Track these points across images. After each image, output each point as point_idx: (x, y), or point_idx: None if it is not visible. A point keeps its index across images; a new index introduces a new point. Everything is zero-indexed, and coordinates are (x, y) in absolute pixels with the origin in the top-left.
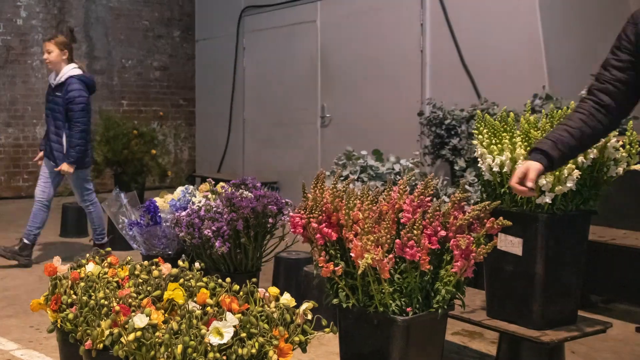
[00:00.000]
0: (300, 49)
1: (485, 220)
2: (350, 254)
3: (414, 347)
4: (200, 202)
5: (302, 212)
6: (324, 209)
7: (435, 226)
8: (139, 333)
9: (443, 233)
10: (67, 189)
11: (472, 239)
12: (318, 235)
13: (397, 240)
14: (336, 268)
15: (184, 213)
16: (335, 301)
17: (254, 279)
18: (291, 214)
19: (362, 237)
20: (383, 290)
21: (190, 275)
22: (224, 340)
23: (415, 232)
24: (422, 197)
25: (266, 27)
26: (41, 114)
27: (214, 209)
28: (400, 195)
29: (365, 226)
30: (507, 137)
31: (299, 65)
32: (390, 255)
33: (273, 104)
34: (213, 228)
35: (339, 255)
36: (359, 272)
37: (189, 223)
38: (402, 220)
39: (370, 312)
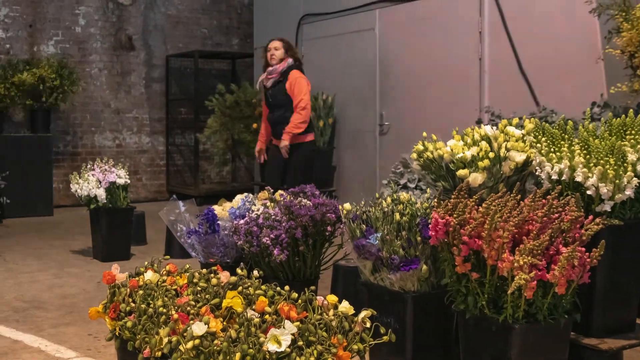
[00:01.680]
0: (359, 56)
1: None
2: (489, 262)
3: (533, 357)
4: (259, 210)
5: (446, 217)
6: (470, 221)
7: (557, 244)
8: (197, 341)
9: (564, 250)
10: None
11: (584, 250)
12: (464, 246)
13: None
14: (472, 273)
15: (242, 221)
16: (461, 307)
17: (313, 287)
18: (434, 215)
19: (520, 257)
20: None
21: (249, 283)
22: (282, 348)
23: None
24: (549, 215)
25: (325, 35)
26: (99, 122)
27: (273, 217)
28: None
29: (527, 246)
30: (566, 145)
31: (357, 73)
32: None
33: (334, 110)
34: (271, 236)
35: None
36: (510, 291)
37: (248, 231)
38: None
39: (493, 318)
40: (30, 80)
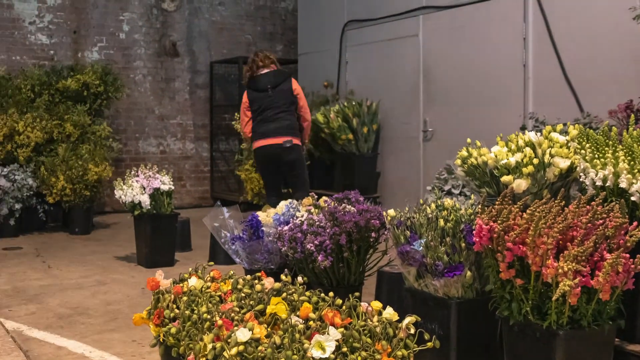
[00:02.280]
0: (403, 62)
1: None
2: (533, 268)
3: None
4: (303, 216)
5: (491, 223)
6: (514, 227)
7: (602, 250)
8: (241, 347)
9: (608, 256)
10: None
11: (628, 256)
12: (508, 252)
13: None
14: (516, 280)
15: (286, 227)
16: (505, 313)
17: (357, 293)
18: (478, 222)
19: (564, 263)
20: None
21: (293, 290)
22: (327, 355)
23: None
24: (593, 221)
25: (368, 41)
26: (143, 128)
27: (317, 223)
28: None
29: (572, 252)
30: (610, 151)
31: (401, 79)
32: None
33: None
34: (316, 242)
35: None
36: (554, 297)
37: (292, 237)
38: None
39: (537, 325)
40: (74, 87)
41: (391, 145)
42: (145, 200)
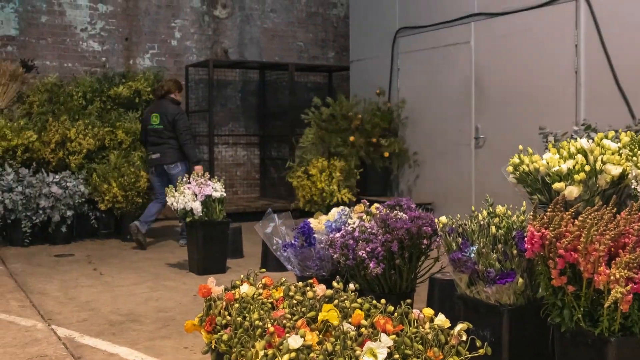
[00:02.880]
0: (454, 69)
1: None
2: (585, 275)
3: None
4: (355, 223)
5: (542, 230)
6: (565, 234)
7: None
8: (293, 354)
9: None
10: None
11: None
12: (560, 259)
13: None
14: (568, 287)
15: (338, 234)
16: (557, 320)
17: (409, 300)
18: (530, 229)
19: (616, 270)
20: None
21: (345, 297)
22: None
23: None
24: None
25: (420, 48)
26: (195, 135)
27: (369, 230)
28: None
29: (624, 260)
30: None
31: (453, 86)
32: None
33: (427, 125)
34: (367, 249)
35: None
36: (606, 304)
37: (344, 244)
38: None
39: (589, 332)
40: (126, 93)
41: (443, 152)
42: (197, 207)
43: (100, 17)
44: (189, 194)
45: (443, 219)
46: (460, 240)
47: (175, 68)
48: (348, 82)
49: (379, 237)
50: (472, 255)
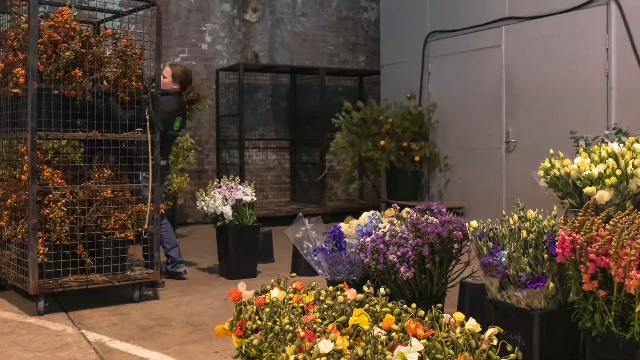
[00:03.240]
0: (485, 73)
1: None
2: (616, 279)
3: None
4: (385, 227)
5: (573, 234)
6: (597, 238)
7: None
8: (324, 359)
9: None
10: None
11: None
12: (591, 264)
13: None
14: (599, 291)
15: (368, 239)
16: (588, 324)
17: (439, 305)
18: (561, 233)
19: None
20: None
21: (375, 301)
22: None
23: None
24: None
25: (451, 52)
26: (225, 139)
27: (399, 234)
28: None
29: None
30: None
31: (483, 90)
32: None
33: (458, 129)
34: (398, 253)
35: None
36: (638, 308)
37: (374, 249)
38: None
39: (620, 336)
40: None
41: (473, 156)
42: (227, 211)
43: (129, 21)
44: (219, 198)
45: (474, 223)
46: (491, 244)
47: (206, 72)
48: (379, 86)
49: (410, 242)
50: (503, 259)
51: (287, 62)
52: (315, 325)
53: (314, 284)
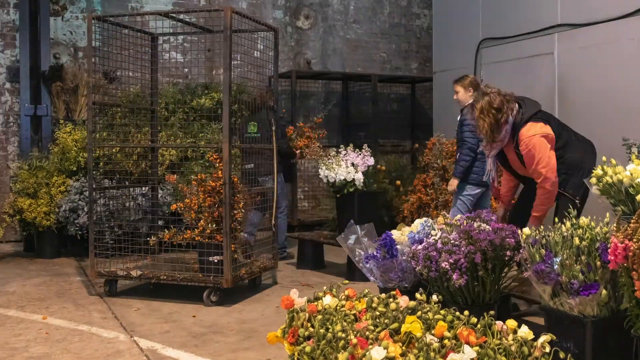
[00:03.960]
0: (538, 80)
1: None
2: None
3: None
4: (437, 234)
5: (626, 241)
6: None
7: None
8: None
9: None
10: None
11: None
12: None
13: None
14: None
15: (420, 246)
16: None
17: (492, 312)
18: (613, 240)
19: None
20: None
21: (428, 308)
22: None
23: None
24: None
25: (503, 59)
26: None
27: (452, 241)
28: None
29: None
30: None
31: (536, 96)
32: None
33: None
34: (450, 261)
35: None
36: None
37: (426, 256)
38: None
39: None
40: (208, 105)
41: None
42: (359, 177)
43: (182, 28)
44: (348, 165)
45: (526, 230)
46: (543, 251)
47: (258, 79)
48: (431, 93)
49: (462, 249)
50: (556, 266)
51: (339, 69)
52: (367, 333)
53: (367, 291)
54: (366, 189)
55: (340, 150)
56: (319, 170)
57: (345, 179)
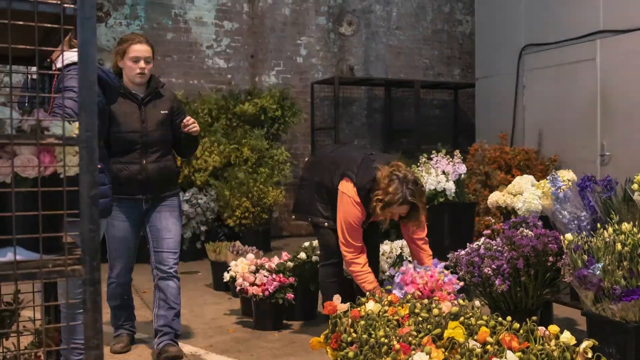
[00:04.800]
0: (580, 86)
1: None
2: None
3: None
4: (480, 240)
5: None
6: None
7: None
8: None
9: None
10: None
11: None
12: None
13: None
14: None
15: (463, 252)
16: None
17: (534, 317)
18: None
19: None
20: None
21: (471, 314)
22: None
23: None
24: None
25: (546, 65)
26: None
27: (494, 247)
28: None
29: None
30: None
31: (578, 102)
32: None
33: (552, 141)
34: (493, 266)
35: None
36: None
37: (469, 262)
38: None
39: None
40: (251, 111)
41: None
42: (450, 187)
43: (226, 35)
44: (438, 174)
45: (569, 236)
46: (586, 257)
47: (301, 85)
48: (473, 99)
49: (505, 254)
50: (598, 272)
51: (381, 75)
52: (410, 338)
53: (409, 296)
54: (458, 200)
55: (432, 156)
56: None
57: (435, 189)
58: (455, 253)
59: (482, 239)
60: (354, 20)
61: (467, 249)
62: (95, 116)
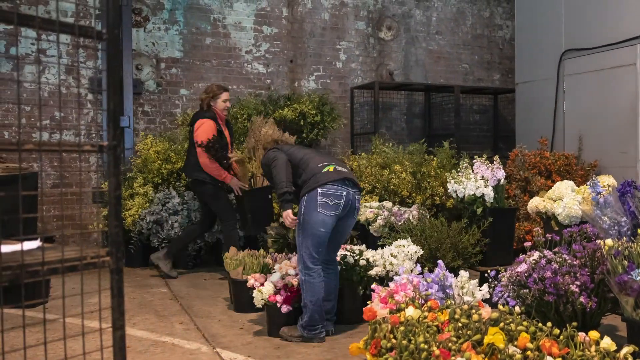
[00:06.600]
0: (620, 91)
1: None
2: None
3: None
4: (533, 256)
5: None
6: None
7: None
8: None
9: None
10: None
11: None
12: None
13: None
14: None
15: (523, 268)
16: None
17: (574, 323)
18: None
19: None
20: None
21: (510, 320)
22: None
23: None
24: None
25: (586, 70)
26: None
27: (568, 261)
28: None
29: None
30: None
31: (618, 107)
32: None
33: (593, 147)
34: (577, 283)
35: None
36: None
37: (540, 277)
38: None
39: None
40: (290, 116)
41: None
42: (489, 193)
43: (265, 40)
44: (477, 179)
45: (609, 241)
46: (626, 263)
47: (340, 90)
48: (513, 104)
49: (586, 269)
50: (638, 277)
51: (421, 80)
52: (450, 344)
53: (449, 302)
54: (497, 206)
55: (474, 160)
56: (447, 184)
57: (474, 194)
58: (509, 269)
59: (537, 253)
60: (393, 25)
61: (526, 264)
62: (118, 127)
